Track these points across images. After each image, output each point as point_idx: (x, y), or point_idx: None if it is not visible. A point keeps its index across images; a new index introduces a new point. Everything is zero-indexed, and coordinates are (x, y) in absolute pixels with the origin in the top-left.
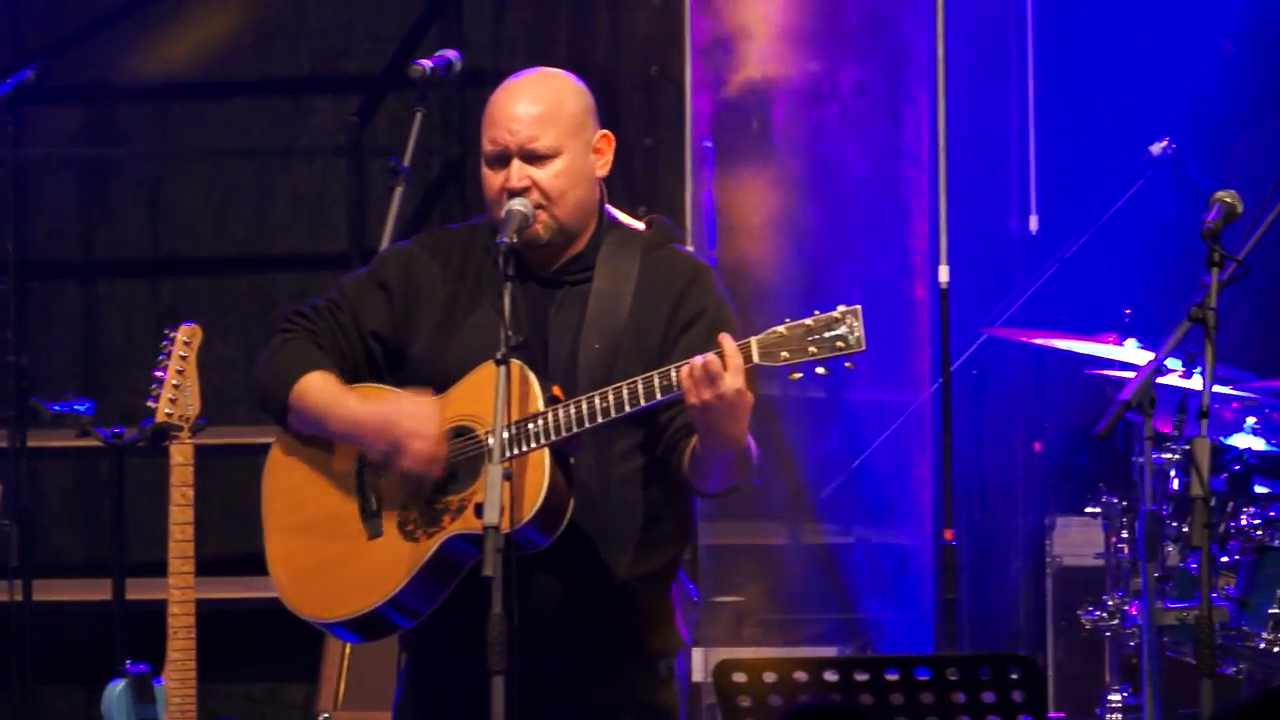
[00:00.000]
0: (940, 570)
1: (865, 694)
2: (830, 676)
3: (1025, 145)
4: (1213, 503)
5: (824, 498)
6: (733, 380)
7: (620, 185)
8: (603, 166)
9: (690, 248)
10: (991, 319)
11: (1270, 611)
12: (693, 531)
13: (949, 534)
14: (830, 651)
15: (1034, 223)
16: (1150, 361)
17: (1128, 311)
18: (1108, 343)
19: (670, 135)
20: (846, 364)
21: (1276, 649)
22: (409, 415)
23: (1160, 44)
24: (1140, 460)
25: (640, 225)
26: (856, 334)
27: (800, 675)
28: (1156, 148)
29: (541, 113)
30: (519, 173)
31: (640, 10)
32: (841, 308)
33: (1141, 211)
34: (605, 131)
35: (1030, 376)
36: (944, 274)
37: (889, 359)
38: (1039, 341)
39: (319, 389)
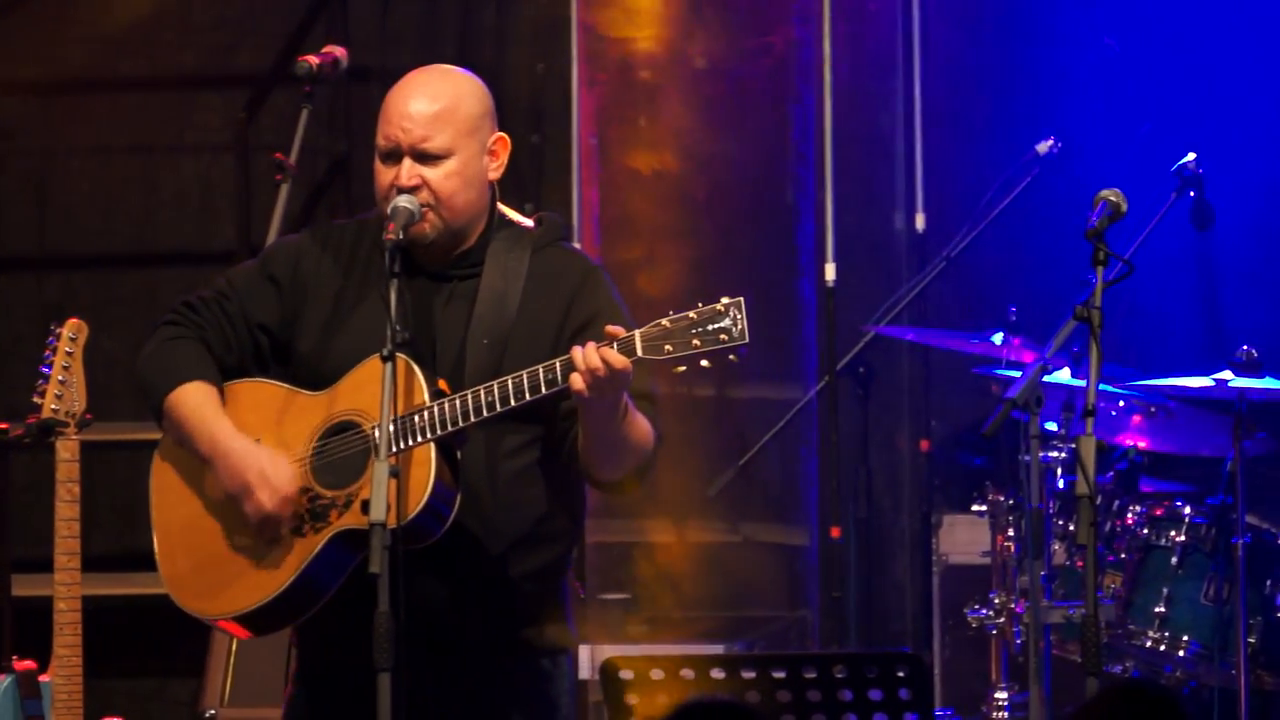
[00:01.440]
0: (827, 568)
1: (752, 691)
2: (717, 674)
3: (912, 143)
4: (1099, 501)
5: (711, 495)
6: (619, 369)
7: (507, 182)
8: (496, 169)
9: (579, 245)
10: (878, 317)
11: (1156, 610)
12: (581, 529)
13: (835, 532)
14: (717, 649)
15: (920, 221)
16: (1036, 360)
17: (1014, 310)
18: (994, 341)
19: (557, 132)
20: (731, 357)
21: (1162, 647)
22: (260, 469)
23: (1047, 42)
24: (1027, 459)
25: (529, 222)
26: (740, 326)
27: (687, 673)
28: (1043, 146)
29: (437, 112)
30: (409, 171)
31: (527, 7)
32: (724, 300)
33: (1028, 210)
34: (502, 135)
35: (917, 374)
36: (830, 272)
37: (776, 357)
38: (925, 340)
39: (192, 405)
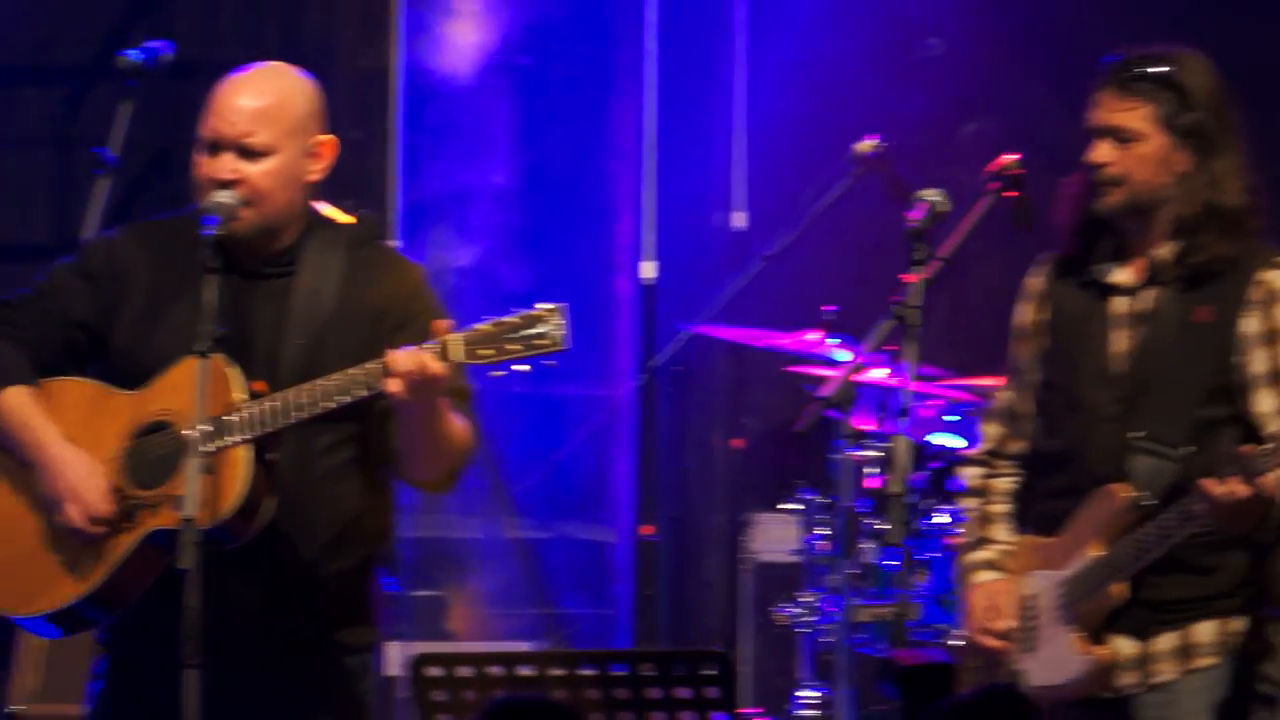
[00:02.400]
0: (639, 566)
1: (561, 689)
2: (526, 671)
3: (732, 142)
4: (910, 500)
5: (523, 492)
6: (434, 371)
7: (328, 178)
8: (318, 172)
9: (397, 243)
10: (695, 315)
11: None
12: (393, 526)
13: (647, 530)
14: (527, 646)
15: (740, 219)
16: (851, 359)
17: (830, 309)
18: (810, 340)
19: (378, 128)
20: (548, 362)
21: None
22: (72, 484)
23: (870, 42)
24: (839, 457)
25: (347, 219)
26: (559, 333)
27: (496, 670)
28: (864, 146)
29: (263, 108)
30: (229, 165)
31: (351, 3)
32: (545, 306)
33: (848, 209)
34: (328, 138)
35: (733, 373)
36: (648, 269)
37: (592, 354)
38: (742, 338)
39: (12, 410)
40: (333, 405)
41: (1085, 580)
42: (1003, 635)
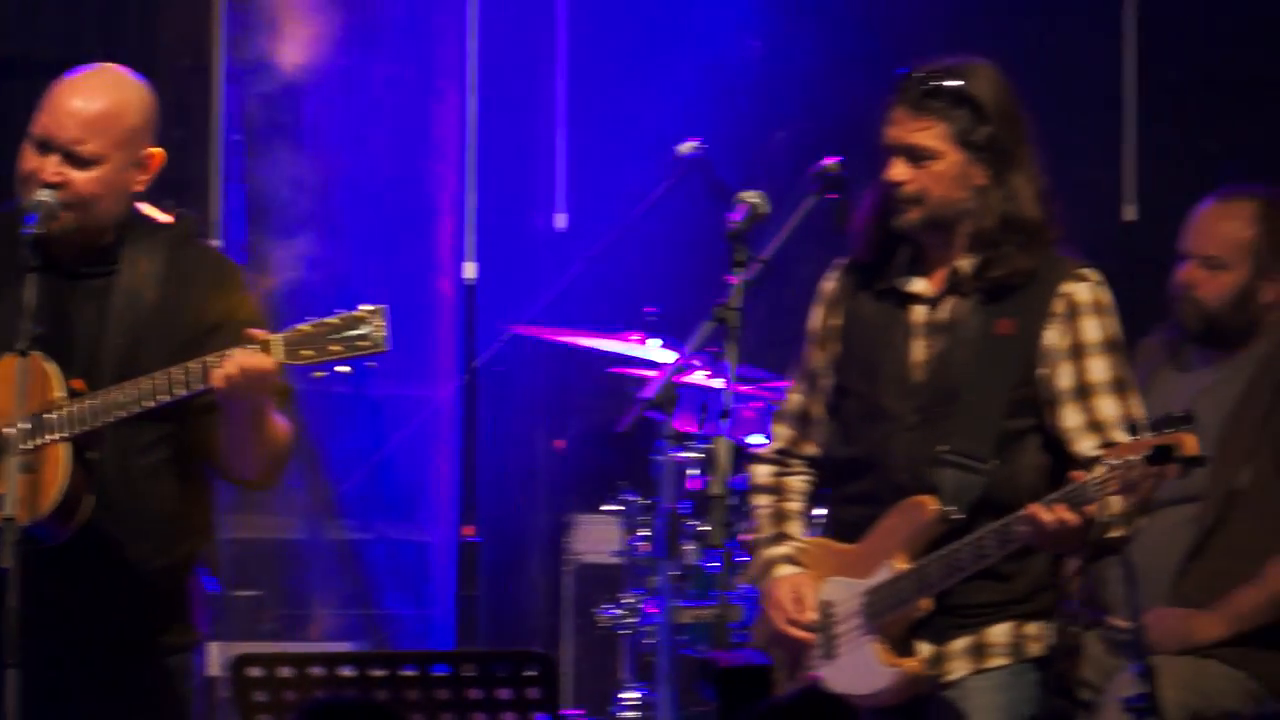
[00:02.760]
0: (460, 567)
1: (382, 689)
2: (347, 672)
3: (555, 143)
4: (733, 501)
5: (344, 493)
6: (259, 371)
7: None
8: (143, 182)
9: (218, 243)
10: (517, 316)
11: None
12: (213, 525)
13: (469, 531)
14: (348, 647)
15: (561, 220)
16: (673, 361)
17: (651, 310)
18: (632, 341)
19: (200, 127)
20: (369, 363)
21: None
22: None
23: (691, 42)
24: (661, 459)
25: (167, 219)
26: (380, 334)
27: (317, 670)
28: (685, 147)
29: (95, 116)
30: (54, 167)
31: (172, 2)
32: (366, 307)
33: (669, 211)
34: (157, 150)
35: (555, 374)
36: (470, 270)
37: (414, 355)
38: (564, 339)
39: None
40: (153, 404)
41: (892, 593)
42: (808, 628)
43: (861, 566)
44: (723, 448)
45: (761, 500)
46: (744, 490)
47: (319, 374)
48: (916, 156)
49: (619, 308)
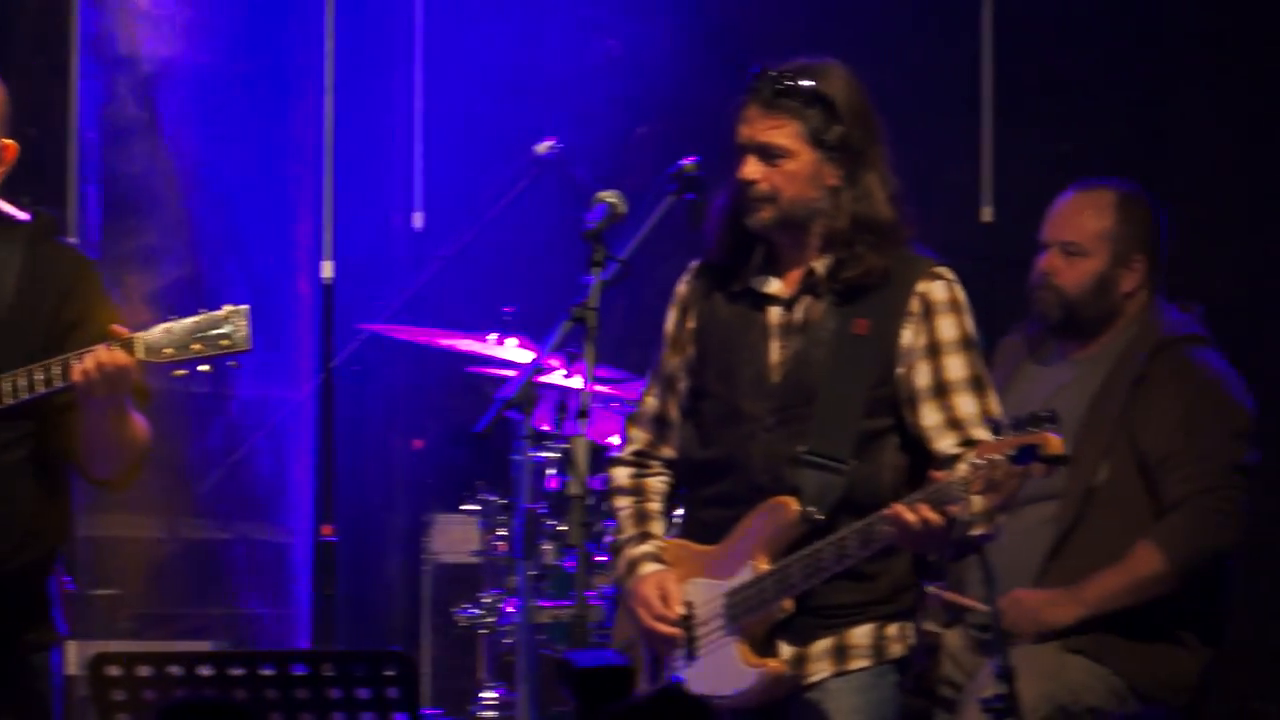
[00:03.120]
0: (318, 566)
1: (240, 689)
2: (205, 671)
3: (411, 142)
4: (591, 502)
5: (203, 492)
6: (120, 368)
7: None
8: None
9: (75, 240)
10: (375, 315)
11: None
12: (70, 524)
13: (327, 530)
14: (207, 646)
15: (419, 219)
16: (531, 360)
17: (509, 310)
18: (490, 341)
19: (56, 126)
20: (231, 363)
21: None
22: None
23: (548, 43)
24: (519, 458)
25: (24, 216)
26: (241, 333)
27: (175, 669)
28: (542, 147)
29: None
30: None
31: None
32: (228, 307)
33: (527, 210)
34: (9, 142)
35: (413, 373)
36: (327, 269)
37: (272, 354)
38: (422, 339)
39: None
40: (13, 401)
41: (754, 594)
42: (675, 624)
43: (722, 568)
44: (580, 448)
45: (622, 502)
46: (602, 491)
47: (180, 372)
48: (769, 155)
49: (477, 307)
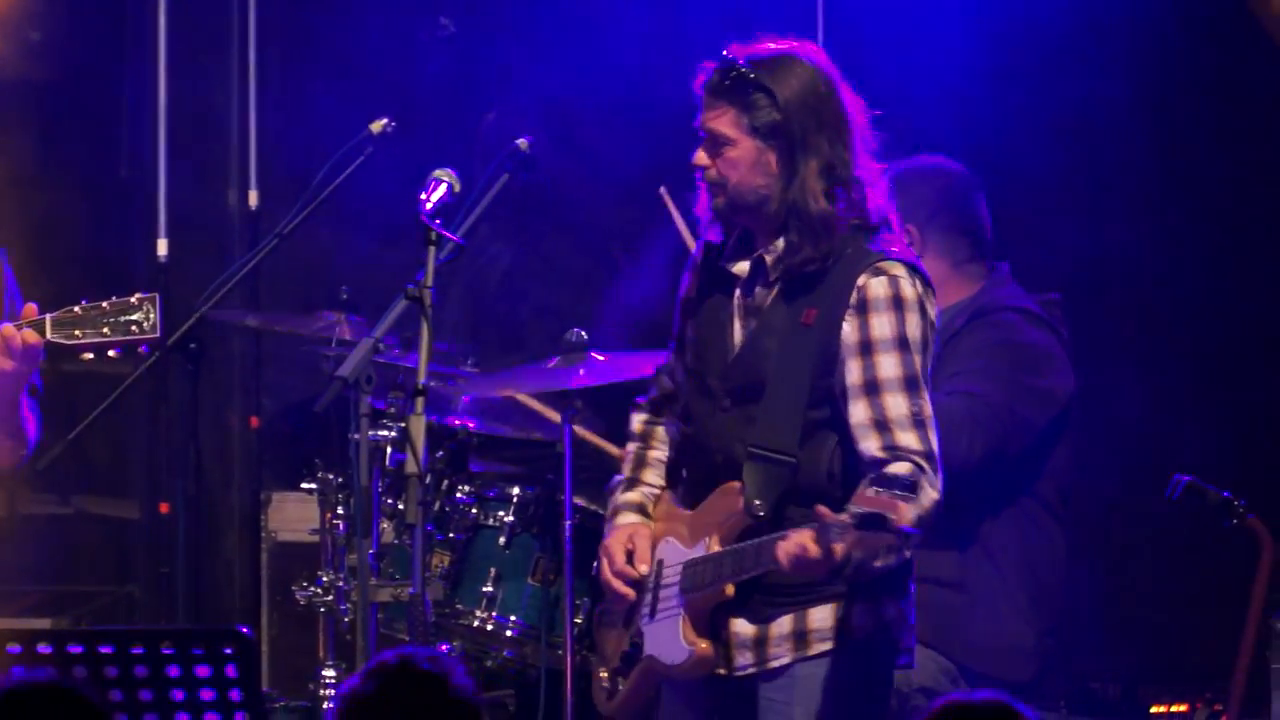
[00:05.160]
0: (155, 543)
1: (79, 667)
2: (44, 650)
3: (246, 119)
4: (429, 481)
5: (40, 468)
6: (27, 346)
7: None
8: None
9: None
10: (209, 294)
11: (484, 590)
12: None
13: (164, 507)
14: (45, 624)
15: (254, 198)
16: (367, 339)
17: (346, 289)
18: (326, 319)
19: None
20: (140, 348)
21: (489, 627)
22: None
23: (384, 20)
24: (357, 437)
25: None
26: (151, 320)
27: (13, 648)
28: (376, 126)
29: None
30: None
31: None
32: (139, 295)
33: (363, 189)
34: None
35: (249, 351)
36: (162, 247)
37: None
38: (258, 317)
39: None
40: None
41: (700, 572)
42: (634, 584)
43: (690, 535)
44: (417, 427)
45: (629, 446)
46: (442, 469)
47: (87, 356)
48: (715, 143)
49: (314, 286)
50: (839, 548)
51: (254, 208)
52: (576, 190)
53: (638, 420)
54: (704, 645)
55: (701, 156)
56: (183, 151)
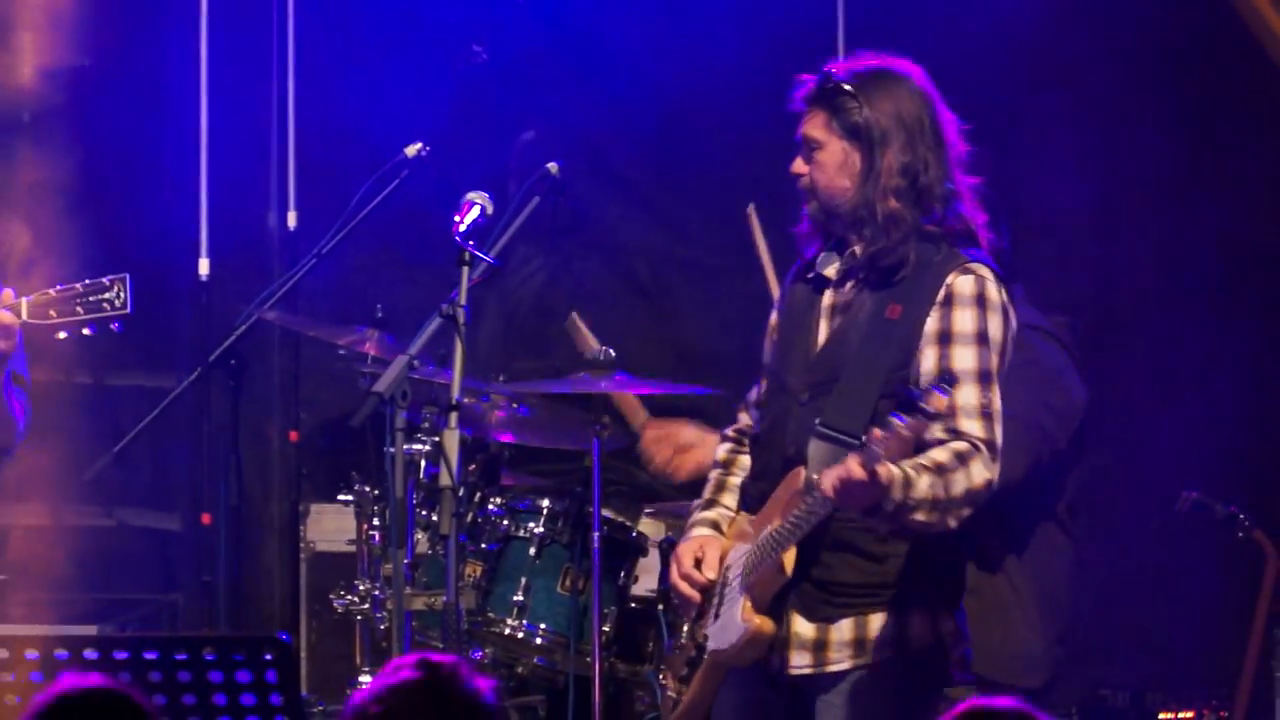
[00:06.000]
0: (198, 553)
1: (125, 672)
2: (90, 655)
3: (285, 143)
4: (461, 493)
5: (86, 480)
6: (3, 325)
7: None
8: None
9: None
10: (251, 311)
11: (514, 599)
12: None
13: (206, 518)
14: (92, 631)
15: (293, 218)
16: (403, 356)
17: (382, 307)
18: (363, 336)
19: None
20: (113, 325)
21: (520, 635)
22: None
23: (417, 48)
24: (392, 450)
25: None
26: (122, 298)
27: (61, 653)
28: (412, 149)
29: None
30: None
31: None
32: (110, 277)
33: (398, 210)
34: None
35: (288, 367)
36: (204, 266)
37: (152, 348)
38: (297, 334)
39: None
40: None
41: (759, 550)
42: (701, 588)
43: (756, 532)
44: (451, 441)
45: (712, 472)
46: (474, 482)
47: (62, 334)
48: (808, 148)
49: (351, 304)
50: (884, 471)
51: (293, 228)
52: (607, 212)
53: (722, 449)
54: (759, 620)
55: (798, 164)
56: (224, 174)
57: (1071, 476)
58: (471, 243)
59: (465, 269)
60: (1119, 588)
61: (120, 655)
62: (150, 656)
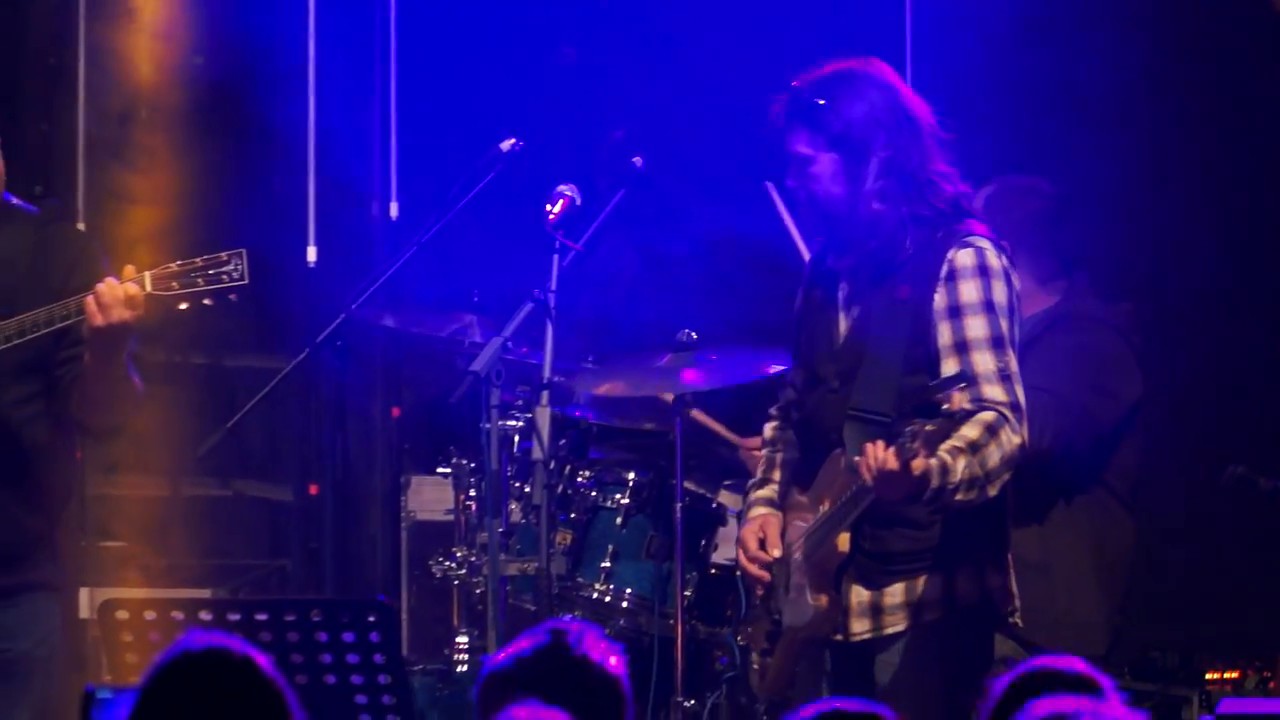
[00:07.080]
0: (306, 522)
1: (238, 632)
2: (205, 616)
3: (388, 139)
4: (552, 466)
5: (201, 454)
6: (129, 296)
7: (19, 168)
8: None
9: (81, 225)
10: (355, 296)
11: (602, 565)
12: (77, 478)
13: (314, 489)
14: (206, 594)
15: (394, 209)
16: (498, 338)
17: (478, 292)
18: (461, 319)
19: (65, 122)
20: (231, 296)
21: (608, 599)
22: None
23: (511, 47)
24: (488, 426)
25: (33, 209)
26: (240, 270)
27: (177, 615)
28: (505, 144)
29: None
30: None
31: (37, 5)
32: (228, 252)
33: (493, 201)
34: None
35: (390, 348)
36: (312, 254)
37: (264, 330)
38: (399, 317)
39: None
40: (33, 334)
41: (817, 534)
42: (768, 566)
43: (809, 512)
44: (543, 417)
45: (763, 450)
46: (564, 456)
47: (184, 305)
48: (800, 164)
49: (449, 289)
50: (918, 464)
51: (394, 218)
52: (692, 202)
53: (769, 428)
54: (823, 599)
55: (792, 179)
56: (330, 167)
57: (1128, 457)
58: (561, 232)
59: (556, 257)
60: (1170, 556)
61: (234, 617)
62: (261, 618)
